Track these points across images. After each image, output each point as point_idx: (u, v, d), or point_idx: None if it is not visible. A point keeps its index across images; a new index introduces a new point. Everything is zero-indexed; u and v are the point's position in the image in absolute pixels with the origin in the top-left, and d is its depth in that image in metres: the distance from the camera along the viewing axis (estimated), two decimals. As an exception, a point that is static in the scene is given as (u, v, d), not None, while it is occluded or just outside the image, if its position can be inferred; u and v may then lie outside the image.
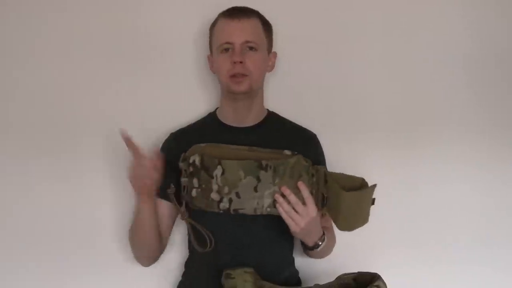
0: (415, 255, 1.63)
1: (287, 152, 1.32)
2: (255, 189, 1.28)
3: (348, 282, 1.29)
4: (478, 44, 1.66)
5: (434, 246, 1.64)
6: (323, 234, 1.36)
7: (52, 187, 1.59)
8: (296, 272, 1.50)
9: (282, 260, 1.44)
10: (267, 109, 1.53)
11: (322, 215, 1.35)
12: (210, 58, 1.49)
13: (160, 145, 1.50)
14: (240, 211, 1.30)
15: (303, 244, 1.40)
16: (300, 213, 1.27)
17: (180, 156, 1.36)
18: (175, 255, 1.56)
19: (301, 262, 1.54)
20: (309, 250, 1.39)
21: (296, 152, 1.32)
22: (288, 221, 1.28)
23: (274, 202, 1.28)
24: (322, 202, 1.32)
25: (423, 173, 1.64)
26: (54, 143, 1.59)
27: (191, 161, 1.31)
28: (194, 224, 1.35)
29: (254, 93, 1.43)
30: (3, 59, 1.59)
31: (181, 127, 1.52)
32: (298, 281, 1.48)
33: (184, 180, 1.34)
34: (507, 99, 1.67)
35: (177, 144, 1.46)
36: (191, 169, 1.31)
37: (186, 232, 1.46)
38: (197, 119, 1.55)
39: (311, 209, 1.28)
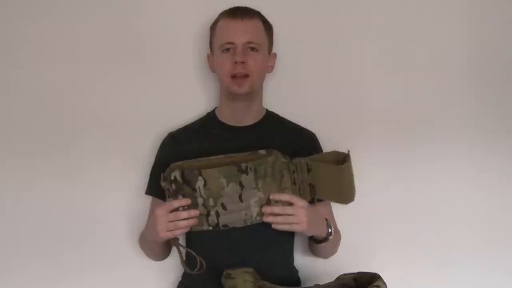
0: (415, 255, 1.63)
1: (262, 151, 1.30)
2: (240, 198, 1.26)
3: (348, 282, 1.29)
4: (476, 44, 1.66)
5: (433, 246, 1.63)
6: (326, 220, 1.37)
7: (54, 185, 1.59)
8: (296, 271, 1.50)
9: (281, 260, 1.44)
10: (266, 109, 1.53)
11: (318, 201, 1.36)
12: (210, 57, 1.48)
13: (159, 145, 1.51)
14: (230, 225, 1.28)
15: (314, 240, 1.39)
16: (294, 213, 1.27)
17: (177, 156, 1.35)
18: (175, 255, 1.56)
19: (301, 262, 1.54)
20: (323, 242, 1.38)
21: (271, 150, 1.31)
22: (292, 227, 1.28)
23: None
24: (311, 191, 1.33)
25: (423, 173, 1.64)
26: (55, 143, 1.60)
27: (172, 177, 1.27)
28: (188, 250, 1.32)
29: (254, 93, 1.43)
30: (7, 59, 1.60)
31: (179, 127, 1.52)
32: (298, 281, 1.48)
33: (169, 200, 1.29)
34: (505, 99, 1.67)
35: (175, 144, 1.47)
36: (173, 186, 1.27)
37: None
38: (196, 119, 1.55)
39: (300, 202, 1.28)
